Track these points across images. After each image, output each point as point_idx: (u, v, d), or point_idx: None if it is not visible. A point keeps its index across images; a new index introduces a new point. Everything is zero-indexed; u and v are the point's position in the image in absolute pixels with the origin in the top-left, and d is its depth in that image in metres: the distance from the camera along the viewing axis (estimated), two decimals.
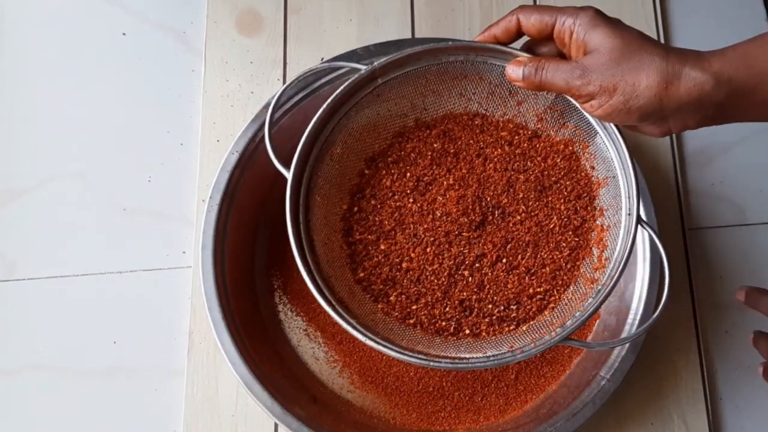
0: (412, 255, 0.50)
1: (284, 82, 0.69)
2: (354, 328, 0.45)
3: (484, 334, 0.48)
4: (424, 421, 0.59)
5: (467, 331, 0.49)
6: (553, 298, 0.49)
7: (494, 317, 0.49)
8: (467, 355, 0.46)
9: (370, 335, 0.45)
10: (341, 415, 0.58)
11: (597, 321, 0.61)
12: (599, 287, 0.46)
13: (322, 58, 0.69)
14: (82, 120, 0.69)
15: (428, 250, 0.50)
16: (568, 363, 0.60)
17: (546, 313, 0.49)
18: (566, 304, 0.48)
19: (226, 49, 0.70)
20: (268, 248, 0.65)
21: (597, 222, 0.50)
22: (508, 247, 0.50)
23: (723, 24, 0.71)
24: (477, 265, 0.50)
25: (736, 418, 0.61)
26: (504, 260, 0.50)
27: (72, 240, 0.66)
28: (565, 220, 0.50)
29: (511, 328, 0.49)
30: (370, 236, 0.51)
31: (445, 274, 0.50)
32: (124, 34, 0.72)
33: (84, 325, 0.63)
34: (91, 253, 0.65)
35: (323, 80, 0.62)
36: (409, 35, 0.70)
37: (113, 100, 0.70)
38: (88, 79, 0.71)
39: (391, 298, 0.50)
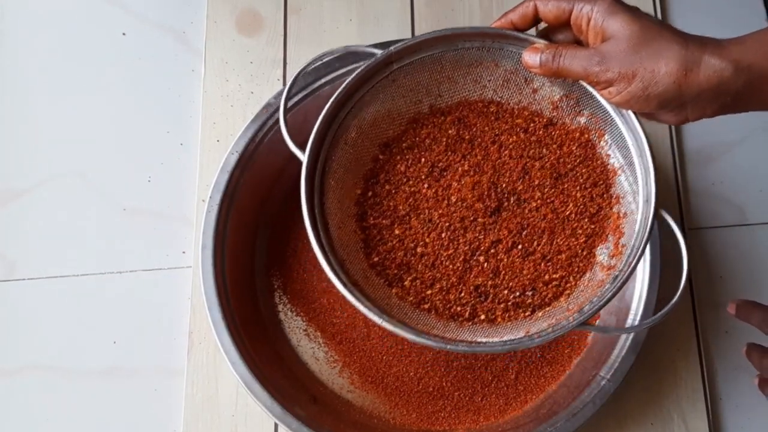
0: (427, 240, 0.50)
1: (284, 83, 0.69)
2: (369, 309, 0.45)
3: (499, 320, 0.48)
4: (424, 421, 0.59)
5: (483, 317, 0.48)
6: (569, 284, 0.49)
7: (510, 303, 0.49)
8: (484, 340, 0.46)
9: (386, 317, 0.44)
10: (341, 415, 0.58)
11: (597, 321, 0.61)
12: (616, 273, 0.46)
13: None
14: (82, 120, 0.69)
15: (443, 235, 0.50)
16: (568, 363, 0.60)
17: (562, 299, 0.48)
18: (582, 291, 0.48)
19: (226, 49, 0.70)
20: (268, 248, 0.65)
21: (613, 209, 0.50)
22: (524, 233, 0.50)
23: (723, 23, 0.71)
24: (492, 250, 0.50)
25: (736, 418, 0.61)
26: (519, 246, 0.50)
27: (72, 240, 0.66)
28: (581, 207, 0.50)
29: (527, 314, 0.48)
30: (384, 221, 0.51)
31: (460, 259, 0.50)
32: (124, 34, 0.72)
33: (84, 325, 0.64)
34: (91, 253, 0.65)
35: (323, 80, 0.62)
36: (409, 35, 0.70)
37: (113, 100, 0.70)
38: (88, 79, 0.71)
39: (406, 282, 0.49)
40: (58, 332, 0.63)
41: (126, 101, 0.70)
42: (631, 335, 0.56)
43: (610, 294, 0.44)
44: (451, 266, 0.50)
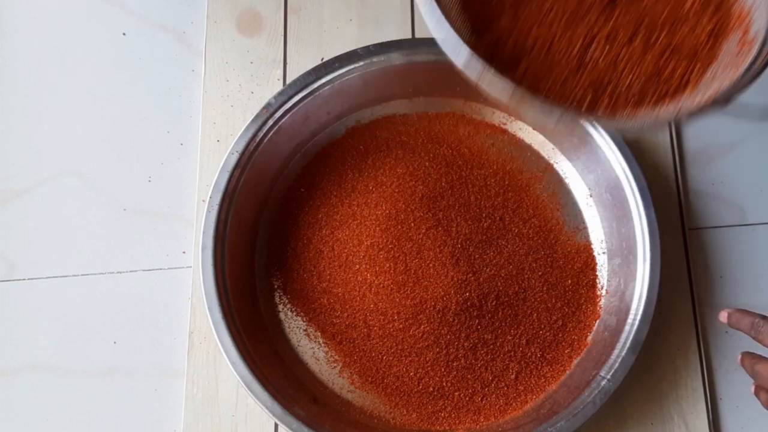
0: (537, 31, 0.48)
1: (284, 83, 0.69)
2: (501, 77, 0.42)
3: (621, 110, 0.46)
4: (424, 421, 0.59)
5: (603, 107, 0.46)
6: (693, 76, 0.47)
7: (631, 94, 0.47)
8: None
9: (518, 88, 0.42)
10: (341, 415, 0.58)
11: (597, 321, 0.61)
12: (752, 59, 0.44)
13: (322, 58, 0.69)
14: (82, 120, 0.69)
15: (554, 26, 0.47)
16: (568, 363, 0.60)
17: (687, 91, 0.46)
18: (708, 82, 0.46)
19: (226, 49, 0.70)
20: (268, 248, 0.65)
21: (737, 4, 0.48)
22: (642, 25, 0.48)
23: None
24: (609, 42, 0.47)
25: (736, 418, 0.61)
26: (639, 38, 0.47)
27: (72, 240, 0.66)
28: (702, 2, 0.48)
29: (651, 104, 0.46)
30: (491, 11, 0.48)
31: (575, 50, 0.47)
32: (124, 34, 0.72)
33: (84, 325, 0.63)
34: (91, 253, 0.65)
35: (323, 80, 0.62)
36: (409, 35, 0.70)
37: (113, 100, 0.70)
38: (88, 79, 0.71)
39: (518, 72, 0.47)
40: (58, 332, 0.63)
41: (126, 101, 0.70)
42: (632, 335, 0.56)
43: (748, 79, 0.43)
44: (565, 57, 0.47)
